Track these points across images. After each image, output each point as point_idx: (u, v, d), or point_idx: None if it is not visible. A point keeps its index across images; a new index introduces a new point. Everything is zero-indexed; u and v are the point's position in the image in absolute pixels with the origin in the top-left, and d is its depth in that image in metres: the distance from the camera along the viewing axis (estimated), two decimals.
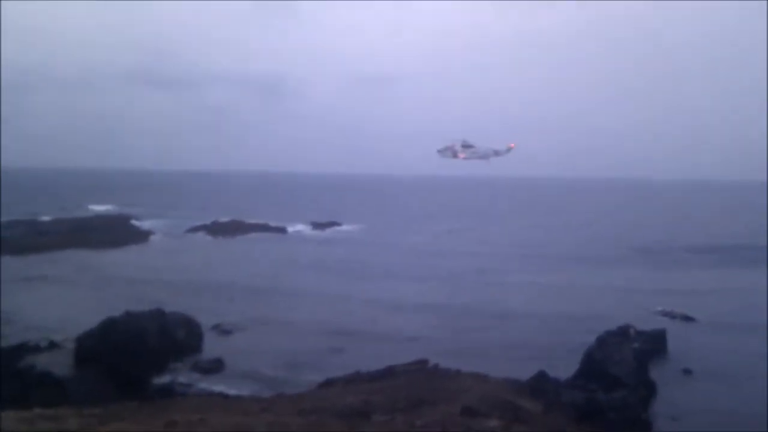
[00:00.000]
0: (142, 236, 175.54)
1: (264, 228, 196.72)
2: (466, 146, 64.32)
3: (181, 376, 62.27)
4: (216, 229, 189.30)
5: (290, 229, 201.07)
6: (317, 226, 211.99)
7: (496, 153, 64.27)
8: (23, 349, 65.32)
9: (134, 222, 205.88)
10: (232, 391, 55.21)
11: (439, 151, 66.57)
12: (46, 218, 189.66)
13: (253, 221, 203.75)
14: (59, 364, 60.27)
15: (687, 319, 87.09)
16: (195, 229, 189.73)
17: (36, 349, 66.28)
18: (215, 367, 64.41)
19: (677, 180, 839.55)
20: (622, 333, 68.04)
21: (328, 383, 53.23)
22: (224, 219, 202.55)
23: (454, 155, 65.18)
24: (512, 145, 64.72)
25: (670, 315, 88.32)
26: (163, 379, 60.72)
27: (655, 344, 69.67)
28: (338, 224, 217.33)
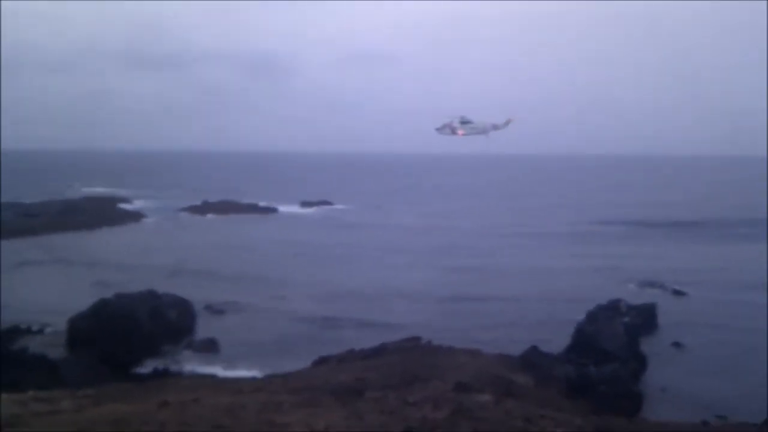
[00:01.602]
0: (132, 217, 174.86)
1: (254, 208, 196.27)
2: (465, 122, 63.69)
3: (175, 356, 62.48)
4: (206, 210, 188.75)
5: (281, 209, 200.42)
6: (308, 206, 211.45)
7: (495, 127, 63.66)
8: (16, 332, 65.45)
9: (124, 203, 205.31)
10: (226, 371, 55.42)
11: (437, 129, 65.85)
12: (35, 201, 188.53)
13: (243, 201, 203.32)
14: (52, 347, 60.37)
15: (678, 293, 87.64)
16: (185, 210, 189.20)
17: (28, 332, 66.45)
18: (208, 347, 64.56)
19: (677, 156, 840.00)
20: (613, 307, 68.54)
21: (322, 361, 53.39)
22: (215, 199, 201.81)
23: (453, 132, 64.51)
24: (511, 118, 64.11)
25: (662, 289, 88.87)
26: (156, 360, 60.81)
27: (645, 318, 70.20)
28: (330, 203, 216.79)
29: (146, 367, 58.87)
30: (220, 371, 55.62)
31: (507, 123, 64.41)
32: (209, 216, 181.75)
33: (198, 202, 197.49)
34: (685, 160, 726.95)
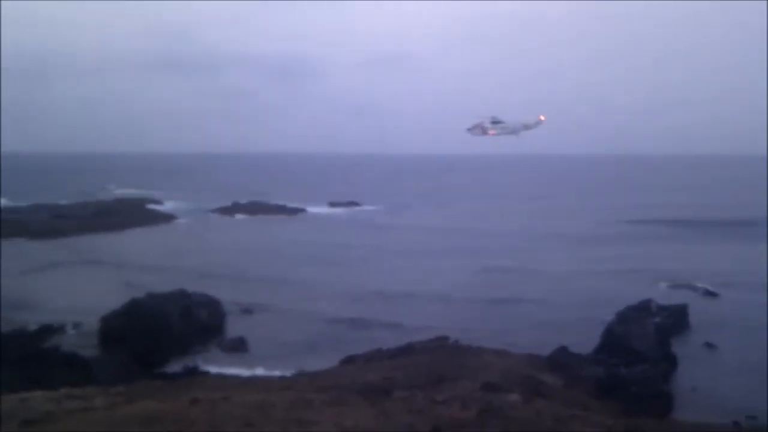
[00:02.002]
0: (163, 219, 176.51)
1: (282, 209, 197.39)
2: (496, 122, 63.21)
3: (205, 355, 63.06)
4: (236, 211, 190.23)
5: (309, 209, 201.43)
6: (336, 206, 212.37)
7: (526, 127, 63.13)
8: (48, 330, 66.51)
9: (155, 205, 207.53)
10: (255, 370, 55.78)
11: (468, 130, 65.36)
12: (68, 202, 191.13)
13: (272, 202, 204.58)
14: (84, 346, 61.28)
15: (710, 294, 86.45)
16: (215, 211, 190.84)
17: (60, 331, 67.43)
18: (238, 346, 65.04)
19: (679, 155, 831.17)
20: (644, 308, 67.90)
21: (349, 360, 53.60)
22: (244, 201, 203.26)
23: (484, 132, 64.05)
24: (542, 117, 63.48)
25: (693, 289, 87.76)
26: (187, 359, 61.42)
27: (676, 319, 69.31)
28: (357, 204, 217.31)
29: (176, 365, 59.42)
30: (249, 370, 56.02)
31: (538, 122, 63.86)
32: (239, 216, 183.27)
33: (228, 203, 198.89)
34: (691, 159, 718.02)
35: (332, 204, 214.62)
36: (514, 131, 64.29)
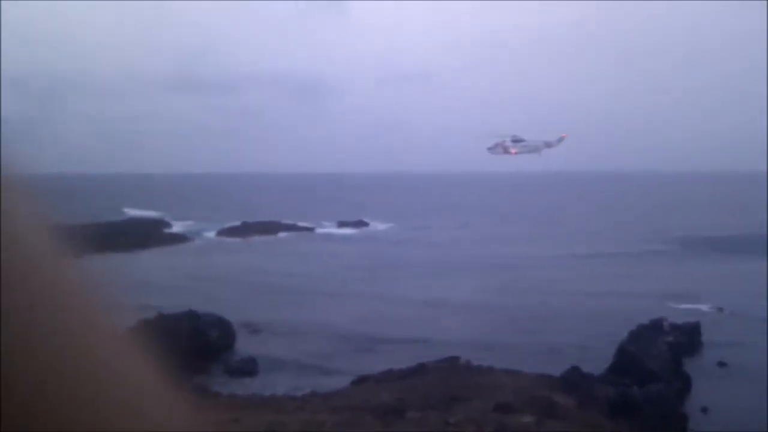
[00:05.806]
0: (175, 239, 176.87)
1: (292, 228, 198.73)
2: (517, 140, 63.08)
3: (215, 375, 62.98)
4: (247, 231, 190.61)
5: (318, 230, 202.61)
6: (345, 226, 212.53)
7: (548, 144, 63.04)
8: None
9: (167, 225, 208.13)
10: (266, 390, 55.56)
11: (489, 149, 65.26)
12: (79, 223, 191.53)
13: (282, 222, 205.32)
14: None
15: (724, 311, 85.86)
16: (226, 231, 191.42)
17: None
18: (248, 366, 64.86)
19: (684, 171, 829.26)
20: (656, 326, 67.47)
21: (361, 381, 53.38)
22: (253, 220, 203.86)
23: (505, 151, 63.93)
24: (564, 135, 63.34)
25: (705, 308, 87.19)
26: (197, 380, 61.27)
27: (689, 337, 68.89)
28: (366, 224, 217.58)
29: (187, 386, 59.14)
30: (259, 390, 55.83)
31: (560, 140, 63.76)
32: (248, 237, 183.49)
33: (237, 223, 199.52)
34: (693, 175, 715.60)
35: (341, 223, 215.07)
36: (535, 149, 64.32)
